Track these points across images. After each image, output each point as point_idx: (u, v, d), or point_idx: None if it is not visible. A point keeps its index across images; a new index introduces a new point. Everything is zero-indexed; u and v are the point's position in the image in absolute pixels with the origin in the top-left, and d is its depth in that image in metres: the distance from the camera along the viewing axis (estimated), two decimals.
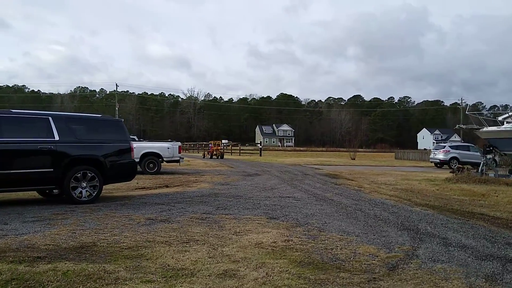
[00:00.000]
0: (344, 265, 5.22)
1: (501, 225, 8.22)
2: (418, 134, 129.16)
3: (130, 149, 10.37)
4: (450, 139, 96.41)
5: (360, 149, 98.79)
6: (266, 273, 4.81)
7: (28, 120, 9.17)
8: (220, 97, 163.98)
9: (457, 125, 19.57)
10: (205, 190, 12.94)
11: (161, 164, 18.38)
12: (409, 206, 10.39)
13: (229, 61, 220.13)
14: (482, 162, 17.70)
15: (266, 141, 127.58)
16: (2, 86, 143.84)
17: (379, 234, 7.02)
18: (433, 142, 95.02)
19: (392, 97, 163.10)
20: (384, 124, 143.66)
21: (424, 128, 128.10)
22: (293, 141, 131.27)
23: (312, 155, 58.63)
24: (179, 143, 19.30)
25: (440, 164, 29.62)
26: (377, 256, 5.65)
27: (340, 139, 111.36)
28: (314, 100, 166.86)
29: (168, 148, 18.58)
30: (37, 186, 9.41)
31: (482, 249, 6.09)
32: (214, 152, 41.14)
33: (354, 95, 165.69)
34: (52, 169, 9.02)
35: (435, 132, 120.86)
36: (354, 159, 41.64)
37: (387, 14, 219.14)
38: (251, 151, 50.21)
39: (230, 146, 54.21)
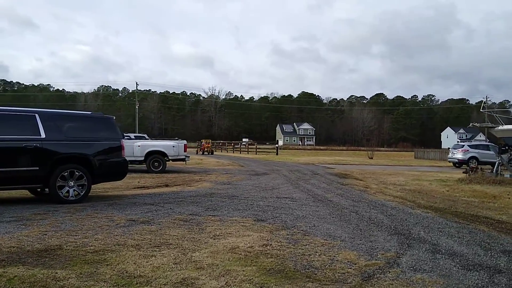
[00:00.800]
0: (316, 274, 4.84)
1: (503, 230, 7.69)
2: (442, 133, 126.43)
3: (120, 147, 10.13)
4: (475, 138, 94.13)
5: (381, 148, 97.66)
6: (226, 282, 4.47)
7: (14, 117, 9.00)
8: (241, 95, 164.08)
9: (471, 123, 18.80)
10: (204, 189, 12.65)
11: (167, 163, 18.25)
12: (410, 208, 9.89)
13: (252, 60, 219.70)
14: (497, 162, 16.95)
15: (287, 140, 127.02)
16: (28, 85, 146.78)
17: (366, 239, 6.60)
18: (457, 141, 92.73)
19: (415, 95, 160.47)
20: (407, 123, 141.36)
21: (448, 127, 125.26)
22: (313, 140, 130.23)
23: (330, 154, 57.91)
24: (185, 141, 19.02)
25: (458, 164, 28.70)
26: (355, 264, 5.24)
27: (362, 138, 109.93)
28: (336, 99, 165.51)
29: (174, 146, 18.36)
30: (22, 185, 9.24)
31: (473, 258, 5.61)
32: (206, 149, 47.32)
33: (377, 93, 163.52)
34: (37, 168, 8.84)
35: (459, 131, 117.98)
36: (371, 158, 40.86)
37: (413, 11, 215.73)
38: (267, 150, 49.78)
39: (247, 145, 53.94)
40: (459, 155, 28.57)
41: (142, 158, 18.07)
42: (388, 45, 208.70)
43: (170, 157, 18.36)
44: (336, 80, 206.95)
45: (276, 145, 49.07)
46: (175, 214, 8.37)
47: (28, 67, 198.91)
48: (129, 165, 20.23)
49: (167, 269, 4.87)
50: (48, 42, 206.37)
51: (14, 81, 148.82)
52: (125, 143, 17.83)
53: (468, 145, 29.16)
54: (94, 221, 7.45)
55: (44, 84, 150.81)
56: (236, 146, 55.30)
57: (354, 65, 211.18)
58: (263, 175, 18.35)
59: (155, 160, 18.15)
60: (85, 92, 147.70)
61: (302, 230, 7.13)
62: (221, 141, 72.34)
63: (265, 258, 5.43)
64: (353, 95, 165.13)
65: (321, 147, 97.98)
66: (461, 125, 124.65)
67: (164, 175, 17.15)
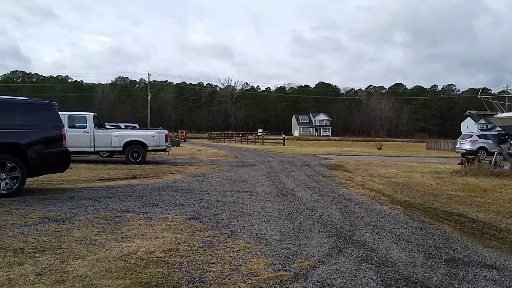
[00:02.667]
0: None
1: (470, 231, 6.61)
2: (462, 123, 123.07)
3: (61, 137, 9.30)
4: (496, 129, 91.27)
5: (397, 139, 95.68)
6: None
7: None
8: (258, 86, 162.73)
9: (467, 111, 17.36)
10: (168, 182, 11.80)
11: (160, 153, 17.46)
12: (378, 204, 8.86)
13: (272, 50, 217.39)
14: (496, 153, 15.63)
15: (302, 131, 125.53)
16: (47, 76, 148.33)
17: (296, 242, 5.65)
18: (478, 131, 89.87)
19: (435, 85, 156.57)
20: (427, 113, 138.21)
21: (469, 117, 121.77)
22: (329, 131, 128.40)
23: (341, 145, 56.56)
24: (166, 131, 18.05)
25: (467, 155, 27.21)
26: (256, 276, 4.32)
27: (380, 128, 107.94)
28: (354, 89, 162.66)
29: (154, 136, 17.46)
30: None
31: (405, 269, 4.61)
32: (180, 137, 57.51)
33: (396, 83, 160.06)
34: None
35: (480, 121, 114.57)
36: (380, 149, 39.47)
37: None
38: (275, 141, 48.72)
39: (254, 135, 53.02)
40: (467, 145, 27.11)
41: (121, 149, 17.26)
42: (411, 33, 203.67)
43: (150, 148, 17.48)
44: (355, 70, 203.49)
45: (283, 136, 47.93)
46: (104, 210, 7.54)
47: (49, 58, 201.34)
48: (106, 155, 19.87)
49: (20, 282, 4.04)
50: (69, 33, 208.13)
51: (33, 73, 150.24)
52: (103, 132, 17.20)
53: (477, 135, 27.64)
54: (4, 219, 6.69)
55: (63, 75, 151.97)
56: (243, 137, 54.40)
57: (374, 53, 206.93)
58: (248, 167, 17.42)
59: (134, 150, 17.32)
60: (102, 83, 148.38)
61: (231, 231, 6.21)
62: (229, 132, 71.49)
63: (154, 268, 4.54)
64: (371, 85, 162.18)
65: (336, 138, 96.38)
66: (485, 115, 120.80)
67: (142, 167, 16.35)
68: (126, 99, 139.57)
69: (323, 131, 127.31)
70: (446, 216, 7.84)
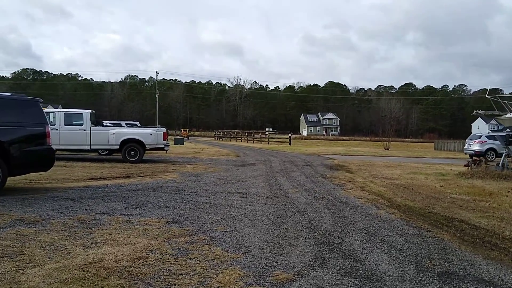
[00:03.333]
0: None
1: (470, 239, 6.13)
2: (472, 124, 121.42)
3: (45, 134, 8.92)
4: (506, 130, 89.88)
5: (406, 139, 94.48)
6: None
7: None
8: (266, 85, 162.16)
9: (474, 111, 16.77)
10: (160, 182, 11.41)
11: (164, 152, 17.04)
12: (375, 208, 8.38)
13: (282, 49, 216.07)
14: (504, 154, 15.04)
15: (311, 130, 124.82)
16: (57, 74, 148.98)
17: (278, 251, 5.20)
18: (489, 132, 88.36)
19: (446, 85, 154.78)
20: (437, 113, 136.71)
21: (480, 118, 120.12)
22: (338, 130, 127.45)
23: (348, 144, 55.93)
24: (164, 129, 17.68)
25: (476, 156, 26.51)
26: None
27: (389, 128, 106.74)
28: (363, 89, 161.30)
29: (151, 134, 17.06)
30: None
31: (391, 284, 4.16)
32: (184, 136, 59.05)
33: (406, 83, 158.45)
34: None
35: (491, 122, 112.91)
36: (387, 149, 38.82)
37: None
38: (281, 140, 48.22)
39: (260, 134, 52.57)
40: (475, 146, 26.42)
41: (118, 147, 16.90)
42: (424, 32, 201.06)
43: (147, 146, 17.08)
44: (366, 69, 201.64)
45: (289, 135, 47.41)
46: (83, 212, 7.15)
47: (60, 56, 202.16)
48: (105, 154, 19.49)
49: None
50: (80, 31, 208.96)
51: (43, 71, 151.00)
52: (99, 130, 16.86)
53: (486, 136, 26.93)
54: None
55: (73, 73, 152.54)
56: (249, 136, 54.00)
57: (386, 53, 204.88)
58: (247, 166, 16.99)
59: (131, 148, 16.94)
60: (112, 81, 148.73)
61: (210, 237, 5.78)
62: (236, 131, 71.16)
63: (115, 279, 4.14)
64: (381, 85, 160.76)
65: (344, 138, 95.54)
66: (493, 116, 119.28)
67: (138, 165, 15.97)
68: (135, 97, 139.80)
69: (332, 131, 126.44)
70: (446, 222, 7.35)
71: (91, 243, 5.36)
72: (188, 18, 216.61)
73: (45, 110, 16.37)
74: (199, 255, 4.96)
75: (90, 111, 17.22)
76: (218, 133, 67.60)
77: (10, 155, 8.39)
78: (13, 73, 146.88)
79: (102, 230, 6.01)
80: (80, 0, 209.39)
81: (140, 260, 4.75)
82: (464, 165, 15.97)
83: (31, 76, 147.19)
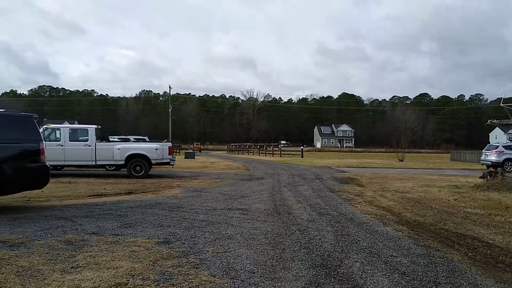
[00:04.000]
0: None
1: (484, 258, 5.64)
2: (490, 134, 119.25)
3: (39, 151, 8.64)
4: None
5: (422, 150, 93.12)
6: None
7: None
8: (280, 97, 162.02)
9: (489, 121, 16.18)
10: (159, 199, 11.07)
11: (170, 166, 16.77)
12: (382, 225, 7.90)
13: (296, 61, 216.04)
14: None
15: (325, 142, 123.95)
16: (73, 91, 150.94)
17: (270, 276, 4.80)
18: (507, 142, 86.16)
19: (462, 94, 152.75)
20: (453, 124, 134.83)
21: (497, 127, 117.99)
22: (353, 142, 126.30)
23: (362, 156, 55.17)
24: (170, 144, 17.36)
25: (493, 167, 25.72)
26: None
27: (406, 139, 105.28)
28: (378, 100, 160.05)
29: (157, 149, 16.78)
30: None
31: None
32: (196, 149, 63.98)
33: (421, 93, 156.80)
34: None
35: (509, 132, 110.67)
36: (402, 160, 38.06)
37: (467, 4, 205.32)
38: (293, 152, 47.72)
39: (272, 147, 52.13)
40: (492, 157, 25.65)
41: (123, 162, 16.66)
42: (439, 42, 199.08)
43: (153, 161, 16.80)
44: (380, 80, 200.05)
45: (301, 147, 46.92)
46: (72, 232, 6.81)
47: (76, 73, 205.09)
48: (113, 169, 19.29)
49: None
50: (96, 47, 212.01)
51: (60, 87, 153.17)
52: (104, 145, 16.65)
53: (503, 146, 26.14)
54: None
55: (89, 89, 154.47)
56: (262, 149, 53.63)
57: (400, 63, 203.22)
58: (254, 180, 16.59)
59: (136, 164, 16.68)
60: (127, 97, 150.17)
61: (200, 259, 5.39)
62: (248, 144, 70.91)
63: None
64: (395, 96, 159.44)
65: (359, 149, 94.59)
66: (508, 125, 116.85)
67: (144, 181, 15.67)
68: (149, 112, 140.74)
69: (346, 142, 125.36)
70: (458, 239, 6.85)
71: (71, 268, 5.01)
72: (202, 33, 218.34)
73: (51, 126, 16.28)
74: (183, 281, 4.58)
75: (95, 126, 17.05)
76: (231, 147, 67.34)
77: (2, 173, 8.12)
78: (30, 90, 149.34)
79: (86, 252, 5.65)
80: (93, 15, 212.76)
81: (118, 287, 4.39)
82: (480, 177, 15.35)
83: (48, 93, 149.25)
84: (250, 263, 5.27)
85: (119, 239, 6.44)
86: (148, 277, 4.69)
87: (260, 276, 4.76)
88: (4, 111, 8.80)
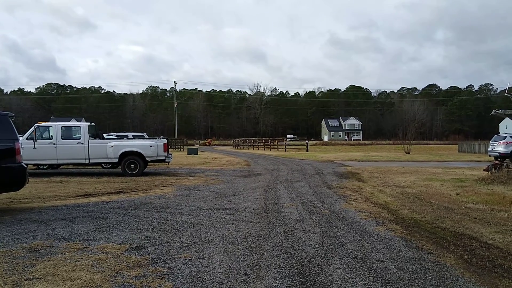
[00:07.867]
0: None
1: (480, 262, 5.15)
2: (500, 124, 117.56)
3: (14, 151, 8.24)
4: None
5: (430, 141, 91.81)
6: None
7: None
8: (287, 91, 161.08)
9: (493, 111, 15.57)
10: (146, 198, 10.66)
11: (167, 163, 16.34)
12: (374, 224, 7.42)
13: (306, 53, 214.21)
14: None
15: (332, 135, 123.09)
16: (80, 88, 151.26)
17: (243, 285, 4.33)
18: None
19: (471, 85, 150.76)
20: (463, 114, 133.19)
21: (508, 117, 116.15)
22: (360, 135, 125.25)
23: (369, 149, 54.52)
24: (165, 140, 16.90)
25: (500, 158, 25.02)
26: None
27: (414, 131, 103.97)
28: (386, 91, 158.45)
29: (151, 146, 16.35)
30: None
31: None
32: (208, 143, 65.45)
33: (429, 84, 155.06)
34: None
35: None
36: (408, 153, 37.37)
37: None
38: (299, 147, 47.16)
39: (277, 141, 51.60)
40: (500, 148, 24.93)
41: (117, 160, 16.27)
42: (454, 30, 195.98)
43: (147, 158, 16.37)
44: (391, 71, 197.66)
45: (306, 141, 46.41)
46: (42, 238, 6.42)
47: (83, 69, 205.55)
48: (109, 167, 18.91)
49: None
50: (104, 43, 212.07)
51: (67, 84, 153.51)
52: (97, 143, 16.27)
53: (510, 136, 25.38)
54: None
55: (96, 86, 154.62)
56: (267, 143, 53.12)
57: (413, 53, 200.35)
58: (251, 177, 16.13)
59: (130, 161, 16.29)
60: (134, 93, 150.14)
61: (168, 268, 4.95)
62: (253, 139, 70.44)
63: None
64: (404, 87, 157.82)
65: (366, 142, 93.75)
66: None
67: (137, 179, 15.29)
68: (156, 108, 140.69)
69: (354, 135, 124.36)
70: (454, 239, 6.36)
71: (26, 279, 4.59)
72: (212, 26, 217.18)
73: (43, 124, 15.91)
74: None
75: (88, 123, 16.67)
76: (236, 142, 66.83)
77: None
78: (37, 88, 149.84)
79: (48, 261, 5.24)
80: (104, 11, 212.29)
81: None
82: (484, 170, 14.77)
83: (55, 91, 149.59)
84: (222, 271, 4.82)
85: (89, 244, 6.02)
86: None
87: (239, 285, 4.32)
88: None
